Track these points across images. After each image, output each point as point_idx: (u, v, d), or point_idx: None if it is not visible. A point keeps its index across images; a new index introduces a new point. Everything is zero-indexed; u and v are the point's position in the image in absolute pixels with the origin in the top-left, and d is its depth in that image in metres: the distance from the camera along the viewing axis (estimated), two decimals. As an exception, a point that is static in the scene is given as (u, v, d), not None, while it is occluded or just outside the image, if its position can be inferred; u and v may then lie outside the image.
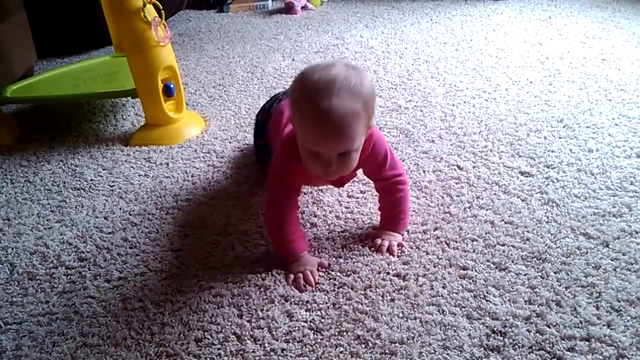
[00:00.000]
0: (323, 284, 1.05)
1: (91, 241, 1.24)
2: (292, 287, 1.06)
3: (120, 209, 1.36)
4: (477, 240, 1.11)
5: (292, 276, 1.08)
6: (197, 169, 1.50)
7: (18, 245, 1.25)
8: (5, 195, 1.47)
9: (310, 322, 0.98)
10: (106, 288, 1.11)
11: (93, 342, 0.98)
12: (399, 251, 1.12)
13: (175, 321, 1.00)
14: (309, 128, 1.00)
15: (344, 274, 1.07)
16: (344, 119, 0.96)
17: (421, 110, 1.67)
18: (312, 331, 0.96)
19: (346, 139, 0.98)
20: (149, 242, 1.22)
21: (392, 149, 1.31)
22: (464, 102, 1.70)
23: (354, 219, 1.22)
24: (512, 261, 1.05)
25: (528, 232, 1.12)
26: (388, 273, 1.06)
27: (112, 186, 1.46)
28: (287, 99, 1.27)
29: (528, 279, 1.01)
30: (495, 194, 1.25)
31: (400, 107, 1.71)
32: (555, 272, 1.02)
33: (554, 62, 1.96)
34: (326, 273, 1.08)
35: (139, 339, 0.98)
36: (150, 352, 0.95)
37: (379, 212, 1.19)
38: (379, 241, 1.14)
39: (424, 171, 1.36)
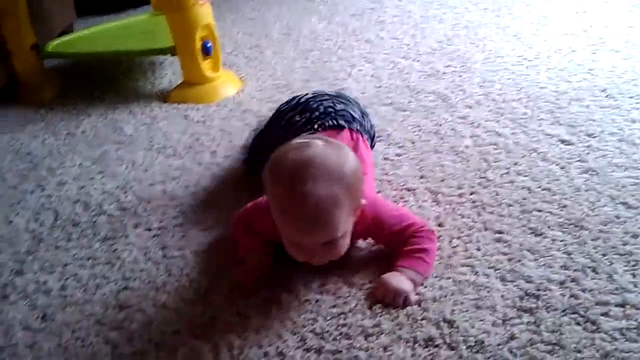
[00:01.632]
0: (357, 243, 1.07)
1: (131, 192, 1.28)
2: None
3: (159, 163, 1.38)
4: (513, 206, 1.11)
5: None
6: (234, 127, 1.52)
7: (61, 194, 1.30)
8: (49, 147, 1.51)
9: (342, 277, 0.99)
10: (146, 237, 1.14)
11: (134, 286, 1.02)
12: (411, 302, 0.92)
13: (213, 269, 1.03)
14: (284, 217, 0.91)
15: (379, 232, 1.08)
16: (321, 206, 0.86)
17: (460, 76, 1.65)
18: (346, 285, 0.98)
19: (326, 229, 0.89)
20: (188, 196, 1.25)
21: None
22: (504, 69, 1.67)
23: (388, 181, 1.22)
24: (549, 227, 1.05)
25: (566, 199, 1.11)
26: (422, 234, 1.07)
27: (151, 141, 1.48)
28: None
29: (564, 245, 1.00)
30: (533, 161, 1.23)
31: (438, 72, 1.70)
32: (592, 240, 1.01)
33: (598, 30, 1.91)
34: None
35: (178, 285, 1.01)
36: (189, 296, 0.98)
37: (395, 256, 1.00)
38: (382, 291, 0.93)
39: (461, 136, 1.35)
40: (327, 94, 1.27)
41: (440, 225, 1.08)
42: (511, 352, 0.83)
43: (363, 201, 0.95)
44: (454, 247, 1.03)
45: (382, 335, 0.88)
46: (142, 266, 1.07)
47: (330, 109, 1.19)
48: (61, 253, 1.12)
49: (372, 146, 1.25)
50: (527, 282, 0.94)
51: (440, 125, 1.41)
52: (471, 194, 1.16)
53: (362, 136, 1.18)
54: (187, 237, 1.13)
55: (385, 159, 1.30)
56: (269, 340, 0.89)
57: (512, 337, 0.85)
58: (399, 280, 0.94)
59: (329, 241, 0.90)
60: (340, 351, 0.86)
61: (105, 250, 1.11)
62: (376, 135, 1.31)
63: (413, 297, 0.93)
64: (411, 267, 0.95)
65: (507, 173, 1.20)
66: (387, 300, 0.93)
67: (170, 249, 1.10)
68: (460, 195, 1.16)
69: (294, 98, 1.27)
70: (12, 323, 0.97)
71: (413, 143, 1.34)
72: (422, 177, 1.22)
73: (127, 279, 1.04)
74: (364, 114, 1.26)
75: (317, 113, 1.19)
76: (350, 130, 1.16)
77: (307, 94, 1.27)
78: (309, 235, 0.90)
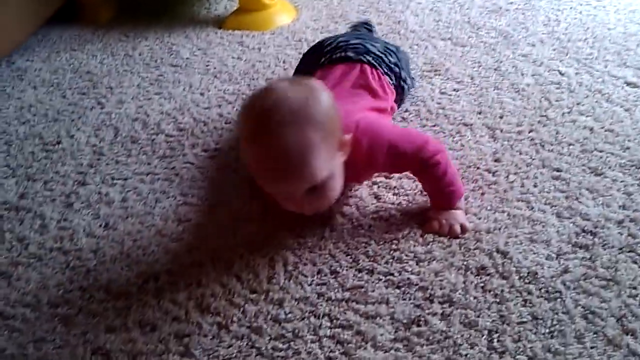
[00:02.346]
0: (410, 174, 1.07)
1: (188, 114, 1.30)
2: None
3: (215, 87, 1.39)
4: (573, 145, 1.09)
5: None
6: (289, 55, 1.51)
7: (121, 112, 1.32)
8: (107, 66, 1.53)
9: (397, 204, 1.00)
10: (203, 157, 1.16)
11: (192, 202, 1.05)
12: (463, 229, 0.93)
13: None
14: (256, 170, 0.86)
15: (433, 164, 1.08)
16: (290, 153, 0.80)
17: (523, 14, 1.59)
18: (399, 212, 0.99)
19: (301, 176, 0.82)
20: (243, 120, 1.26)
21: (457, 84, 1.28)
22: (570, 7, 1.60)
23: (445, 115, 1.21)
24: (609, 167, 1.03)
25: (629, 141, 1.08)
26: (478, 168, 1.06)
27: (207, 65, 1.49)
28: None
29: (624, 186, 0.98)
30: (597, 101, 1.20)
31: (500, 8, 1.63)
32: (654, 182, 0.99)
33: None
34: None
35: (234, 204, 1.04)
36: (244, 216, 1.01)
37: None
38: (435, 224, 0.93)
39: (522, 74, 1.31)
40: (350, 34, 1.22)
41: (497, 161, 1.07)
42: (564, 284, 0.83)
43: (346, 137, 0.88)
44: (511, 182, 1.02)
45: (434, 261, 0.89)
46: (199, 184, 1.10)
47: (342, 43, 1.14)
48: (121, 167, 1.15)
49: (401, 87, 1.16)
50: (584, 219, 0.93)
51: (501, 62, 1.37)
52: (530, 131, 1.14)
53: (377, 69, 1.11)
54: (241, 160, 1.15)
55: (442, 93, 1.28)
56: (323, 259, 0.92)
57: (565, 271, 0.85)
58: (449, 213, 0.94)
59: (312, 187, 0.84)
60: (392, 274, 0.88)
61: (164, 167, 1.14)
62: (411, 78, 1.21)
63: (468, 224, 0.93)
64: (450, 204, 0.94)
65: (568, 112, 1.17)
66: (443, 232, 0.93)
67: (226, 170, 1.13)
68: (519, 133, 1.14)
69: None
70: (76, 229, 1.02)
71: (472, 79, 1.31)
72: (480, 112, 1.20)
73: (185, 195, 1.07)
74: (388, 51, 1.16)
75: (328, 48, 1.15)
76: (361, 62, 1.10)
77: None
78: (284, 184, 0.84)
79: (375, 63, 1.12)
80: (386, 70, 1.13)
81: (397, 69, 1.16)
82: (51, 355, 0.81)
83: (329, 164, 0.84)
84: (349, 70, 1.09)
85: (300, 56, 1.32)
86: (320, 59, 1.14)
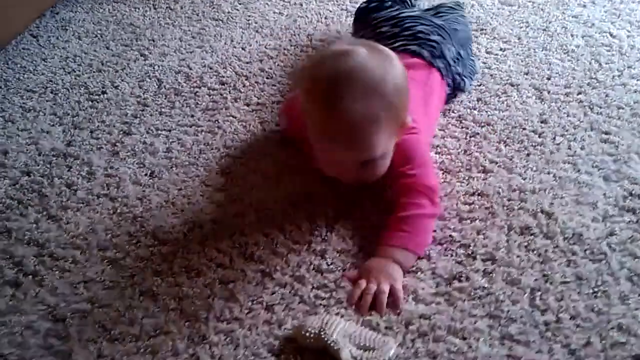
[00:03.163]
0: (455, 132, 1.06)
1: (230, 68, 1.30)
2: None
3: (256, 41, 1.39)
4: (623, 109, 1.06)
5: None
6: (331, 12, 1.49)
7: (164, 64, 1.33)
8: (149, 19, 1.53)
9: (440, 163, 1.00)
10: (246, 110, 1.17)
11: (235, 154, 1.07)
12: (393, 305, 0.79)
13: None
14: (319, 133, 0.84)
15: (478, 124, 1.07)
16: (359, 126, 0.79)
17: (574, -27, 1.54)
18: (442, 172, 0.98)
19: (363, 149, 0.82)
20: (285, 75, 1.26)
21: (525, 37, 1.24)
22: (624, -32, 1.54)
23: (491, 75, 1.19)
24: (660, 132, 1.00)
25: (682, 106, 1.05)
26: (524, 129, 1.05)
27: (248, 20, 1.48)
28: None
29: (676, 151, 0.97)
30: (649, 65, 1.17)
31: (550, -32, 1.58)
32: None
33: None
34: (459, 122, 1.08)
35: (275, 159, 1.04)
36: (286, 171, 1.02)
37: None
38: (357, 290, 0.79)
39: (572, 35, 1.28)
40: (434, 21, 1.14)
41: (543, 122, 1.06)
42: (609, 246, 0.83)
43: (409, 119, 0.86)
44: (557, 144, 1.01)
45: (477, 220, 0.89)
46: (242, 137, 1.11)
47: (421, 34, 1.09)
48: (165, 119, 1.17)
49: (454, 95, 1.12)
50: (632, 183, 0.92)
51: (550, 22, 1.33)
52: (579, 93, 1.11)
53: (442, 77, 1.07)
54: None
55: (489, 52, 1.25)
56: (363, 214, 0.92)
57: (611, 233, 0.85)
58: (382, 266, 0.81)
59: (366, 161, 0.84)
60: (435, 230, 0.88)
61: (207, 120, 1.15)
62: (469, 83, 1.14)
63: (401, 297, 0.78)
64: (388, 245, 0.83)
65: (619, 75, 1.14)
66: (365, 299, 0.78)
67: (269, 124, 1.13)
68: (567, 95, 1.11)
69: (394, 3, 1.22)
70: (123, 177, 1.04)
71: (519, 39, 1.28)
72: (527, 73, 1.18)
73: (228, 148, 1.08)
74: (460, 58, 1.12)
75: (406, 33, 1.09)
76: (431, 65, 1.06)
77: (416, 10, 1.20)
78: (344, 153, 0.83)
79: (442, 71, 1.07)
80: (449, 81, 1.09)
81: (458, 78, 1.10)
82: (101, 295, 0.84)
83: (388, 143, 0.84)
84: (420, 68, 1.04)
85: (342, 11, 1.31)
86: (393, 39, 1.08)
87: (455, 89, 1.11)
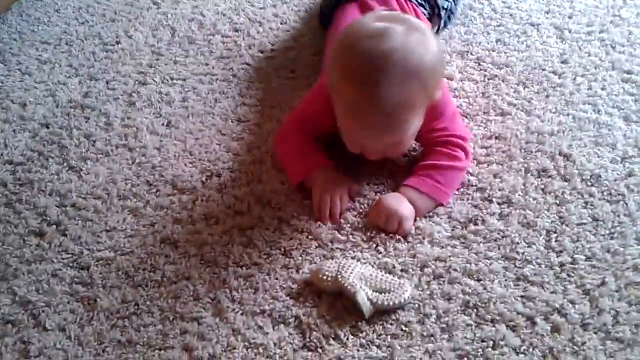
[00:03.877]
0: (472, 74, 1.04)
1: (244, 14, 1.28)
2: (315, 215, 0.85)
3: (269, -15, 1.36)
4: (647, 46, 1.03)
5: (316, 200, 0.85)
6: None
7: (177, 12, 1.32)
8: (160, -34, 1.51)
9: (458, 106, 0.98)
10: (260, 57, 1.16)
11: (251, 103, 1.06)
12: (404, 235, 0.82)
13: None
14: (349, 115, 0.80)
15: (496, 66, 1.05)
16: (395, 111, 0.76)
17: None
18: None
19: (395, 133, 0.79)
20: (299, 20, 1.24)
21: None
22: None
23: (511, 14, 1.15)
24: (686, 70, 0.98)
25: None
26: (544, 69, 1.02)
27: (260, -36, 1.45)
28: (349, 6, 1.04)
29: (701, 89, 0.94)
30: (676, 0, 1.12)
31: None
32: None
33: None
34: (477, 64, 1.06)
35: (291, 103, 1.04)
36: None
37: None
38: (377, 218, 0.83)
39: (595, -30, 1.23)
40: None
41: (564, 62, 1.03)
42: (628, 187, 0.82)
43: (438, 94, 0.82)
44: (578, 84, 0.99)
45: (494, 164, 0.89)
46: (257, 85, 1.10)
47: None
48: (180, 67, 1.16)
49: (438, 16, 1.08)
50: (654, 123, 0.90)
51: (573, -42, 1.28)
52: (601, 32, 1.08)
53: (410, 1, 1.03)
54: (298, 60, 1.14)
55: (508, -13, 1.21)
56: (378, 161, 0.92)
57: (630, 174, 0.84)
58: (396, 202, 0.82)
59: (395, 142, 0.83)
60: (451, 175, 0.88)
61: (222, 68, 1.15)
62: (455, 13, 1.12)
63: (408, 225, 0.81)
64: (417, 188, 0.84)
65: (644, 12, 1.11)
66: (379, 224, 0.82)
67: (284, 71, 1.12)
68: (589, 33, 1.08)
69: None
70: (140, 127, 1.05)
71: (540, -25, 1.24)
72: (548, 12, 1.14)
73: (244, 96, 1.08)
74: None
75: None
76: None
77: None
78: (377, 139, 0.81)
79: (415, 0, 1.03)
80: (420, 1, 1.05)
81: (442, 4, 1.06)
82: (123, 242, 0.86)
83: (419, 122, 0.82)
84: (382, 3, 1.01)
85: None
86: None
87: (435, 8, 1.07)
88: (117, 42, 1.25)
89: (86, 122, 1.07)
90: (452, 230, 0.82)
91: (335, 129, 0.86)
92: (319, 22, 1.17)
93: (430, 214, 0.84)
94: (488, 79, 1.03)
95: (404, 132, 0.80)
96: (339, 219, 0.84)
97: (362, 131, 0.81)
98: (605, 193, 0.82)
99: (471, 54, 1.08)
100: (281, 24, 1.24)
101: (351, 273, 0.75)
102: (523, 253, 0.77)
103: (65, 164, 0.99)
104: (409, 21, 0.80)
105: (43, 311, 0.78)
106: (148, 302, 0.78)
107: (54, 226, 0.89)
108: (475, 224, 0.82)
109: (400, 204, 0.82)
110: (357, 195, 0.87)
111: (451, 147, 0.86)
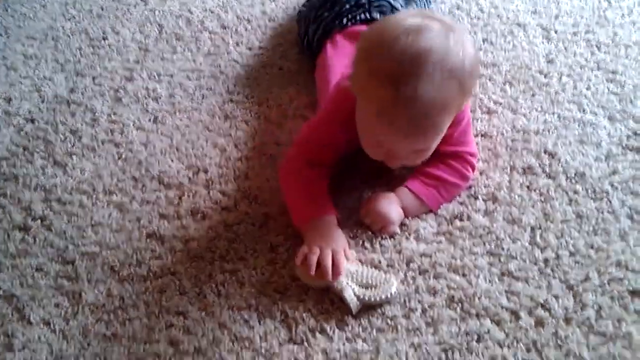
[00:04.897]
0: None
1: (232, 11, 1.28)
2: (298, 267, 0.77)
3: (257, -16, 1.36)
4: (631, 47, 1.05)
5: (303, 251, 0.77)
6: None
7: (164, 9, 1.31)
8: (148, -37, 1.50)
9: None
10: (248, 55, 1.16)
11: (238, 99, 1.06)
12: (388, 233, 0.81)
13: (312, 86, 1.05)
14: (379, 119, 0.73)
15: (484, 66, 1.05)
16: (430, 114, 0.71)
17: None
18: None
19: (427, 137, 0.75)
20: (286, 17, 1.24)
21: None
22: None
23: (498, 14, 1.16)
24: (668, 71, 0.99)
25: (692, 44, 1.03)
26: (530, 69, 1.03)
27: (249, -38, 1.45)
28: (340, 39, 1.00)
29: (682, 90, 0.95)
30: (660, 2, 1.14)
31: None
32: None
33: None
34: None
35: (279, 102, 1.04)
36: (290, 113, 1.02)
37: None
38: (364, 217, 0.82)
39: (581, -28, 1.25)
40: None
41: (550, 62, 1.04)
42: (612, 185, 0.83)
43: (470, 98, 0.82)
44: (563, 84, 1.00)
45: (480, 162, 0.89)
46: (244, 82, 1.10)
47: (363, 0, 1.02)
48: (167, 64, 1.16)
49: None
50: (637, 122, 0.91)
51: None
52: (586, 32, 1.09)
53: None
54: (286, 57, 1.14)
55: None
56: (367, 157, 0.92)
57: (614, 172, 0.85)
58: (387, 205, 0.81)
59: (420, 149, 0.78)
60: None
61: (209, 64, 1.14)
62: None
63: (392, 230, 0.81)
64: (418, 195, 0.82)
65: (629, 13, 1.12)
66: (366, 223, 0.82)
67: (272, 68, 1.12)
68: (575, 34, 1.09)
69: None
70: (126, 123, 1.04)
71: (526, -24, 1.25)
72: (534, 12, 1.15)
73: (231, 93, 1.08)
74: (410, 1, 1.05)
75: (347, 6, 1.02)
76: None
77: None
78: (406, 143, 0.76)
79: None
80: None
81: None
82: (108, 237, 0.86)
83: (445, 130, 0.77)
84: None
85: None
86: (340, 18, 1.02)
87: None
88: (104, 38, 1.24)
89: (72, 117, 1.06)
90: (438, 226, 0.82)
91: (347, 149, 0.84)
92: (305, 48, 1.11)
93: (417, 210, 0.84)
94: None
95: (436, 135, 0.76)
96: (330, 273, 0.74)
97: (391, 135, 0.75)
98: (589, 191, 0.83)
99: (458, 53, 1.08)
100: (269, 21, 1.24)
101: (337, 268, 0.75)
102: (508, 249, 0.78)
103: (50, 159, 0.98)
104: (443, 20, 0.75)
105: (27, 305, 0.78)
106: (134, 297, 0.78)
107: (39, 221, 0.88)
108: (461, 220, 0.82)
109: (390, 207, 0.81)
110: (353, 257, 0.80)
111: (463, 164, 0.84)
